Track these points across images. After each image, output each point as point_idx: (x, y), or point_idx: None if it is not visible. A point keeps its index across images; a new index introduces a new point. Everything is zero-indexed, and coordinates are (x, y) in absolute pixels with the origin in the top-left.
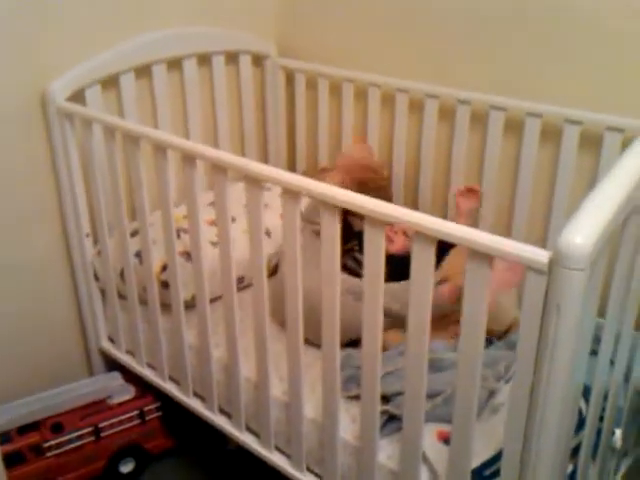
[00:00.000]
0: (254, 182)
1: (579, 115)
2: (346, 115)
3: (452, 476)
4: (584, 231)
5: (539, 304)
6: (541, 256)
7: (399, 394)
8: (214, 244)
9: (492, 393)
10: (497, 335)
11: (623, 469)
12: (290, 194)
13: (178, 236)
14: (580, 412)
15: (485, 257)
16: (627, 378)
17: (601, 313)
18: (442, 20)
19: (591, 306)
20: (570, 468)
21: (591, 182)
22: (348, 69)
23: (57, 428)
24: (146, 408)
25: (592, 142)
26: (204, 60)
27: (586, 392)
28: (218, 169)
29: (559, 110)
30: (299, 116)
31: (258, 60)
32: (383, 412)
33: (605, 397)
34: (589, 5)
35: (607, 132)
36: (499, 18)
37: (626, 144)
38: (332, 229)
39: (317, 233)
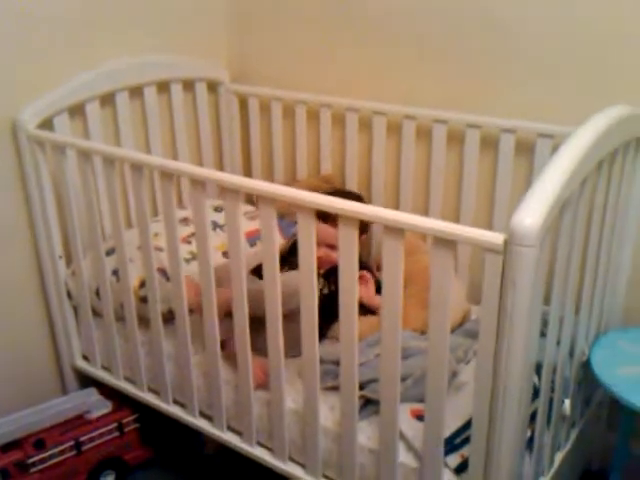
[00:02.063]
0: (232, 193)
1: (513, 124)
2: (299, 136)
3: (427, 447)
4: (532, 213)
5: (497, 282)
6: (496, 238)
7: (372, 381)
8: (187, 260)
9: (454, 374)
10: (453, 327)
11: (572, 438)
12: (265, 201)
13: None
14: (534, 384)
15: (449, 243)
16: (572, 353)
17: (547, 301)
18: (389, 40)
19: (540, 281)
20: (528, 434)
21: (528, 183)
22: (299, 92)
23: (39, 444)
24: (124, 420)
25: (526, 148)
26: (163, 87)
27: (538, 367)
28: (197, 184)
29: (496, 121)
30: (254, 138)
31: (213, 86)
32: (360, 397)
33: (554, 371)
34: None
35: (539, 139)
36: (440, 35)
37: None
38: (308, 231)
39: None
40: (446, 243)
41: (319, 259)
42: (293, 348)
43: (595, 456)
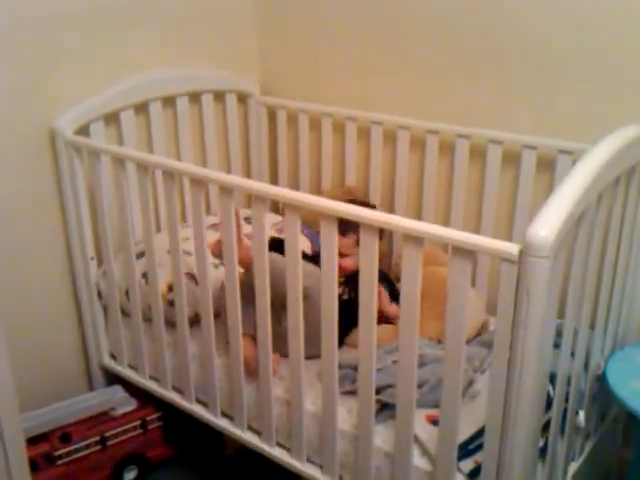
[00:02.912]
0: (259, 200)
1: (534, 141)
2: (325, 147)
3: (441, 451)
4: (547, 225)
5: (512, 291)
6: (512, 248)
7: (389, 386)
8: (216, 266)
9: (470, 383)
10: (469, 337)
11: (586, 450)
12: (289, 208)
13: None
14: (548, 394)
15: (466, 252)
16: (586, 366)
17: (561, 315)
18: (413, 58)
19: (555, 292)
20: (541, 443)
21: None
22: (326, 104)
23: (66, 438)
24: (148, 418)
25: (546, 164)
26: (194, 98)
27: (552, 378)
28: (225, 191)
29: (517, 137)
30: (281, 149)
31: (242, 98)
32: (376, 402)
33: (568, 382)
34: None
35: (560, 155)
36: (470, 54)
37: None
38: (330, 238)
39: None
40: (464, 253)
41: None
42: (308, 348)
43: (612, 471)
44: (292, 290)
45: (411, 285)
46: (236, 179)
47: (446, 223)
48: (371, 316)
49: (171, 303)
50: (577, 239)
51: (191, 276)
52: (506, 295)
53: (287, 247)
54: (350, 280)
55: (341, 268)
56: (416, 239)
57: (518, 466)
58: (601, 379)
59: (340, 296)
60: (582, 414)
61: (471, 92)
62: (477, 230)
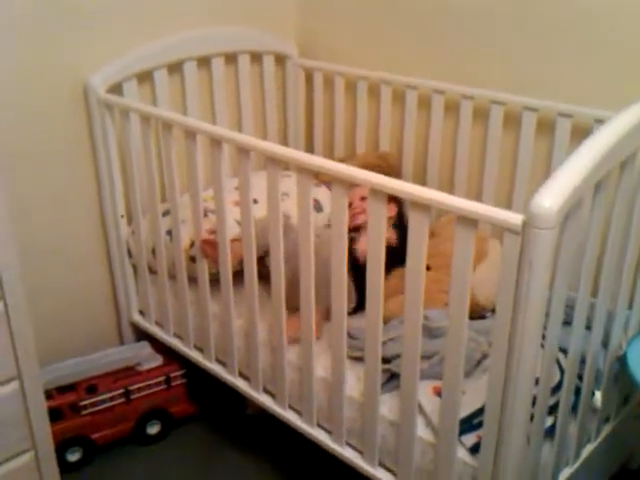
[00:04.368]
0: (274, 161)
1: (535, 103)
2: (360, 111)
3: (444, 424)
4: (552, 195)
5: (514, 262)
6: (516, 219)
7: (398, 356)
8: (240, 223)
9: (484, 356)
10: (490, 309)
11: (604, 432)
12: (305, 173)
13: (205, 215)
14: (561, 370)
15: (471, 221)
16: (605, 345)
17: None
18: (450, 23)
19: (565, 263)
20: (550, 422)
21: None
22: (362, 68)
23: (92, 389)
24: (172, 375)
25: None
26: (231, 59)
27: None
28: (242, 151)
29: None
30: (317, 111)
31: (280, 60)
32: (385, 371)
33: (583, 360)
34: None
35: (559, 118)
36: (507, 20)
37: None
38: (342, 202)
39: None
40: (467, 222)
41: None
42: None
43: (636, 454)
44: (305, 257)
45: (417, 253)
46: (249, 139)
47: (479, 191)
48: (378, 286)
49: (193, 259)
50: (594, 209)
51: (212, 232)
52: (509, 267)
53: (299, 212)
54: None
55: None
56: (421, 206)
57: (516, 445)
58: (622, 360)
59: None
60: (598, 394)
61: (509, 58)
62: (509, 202)
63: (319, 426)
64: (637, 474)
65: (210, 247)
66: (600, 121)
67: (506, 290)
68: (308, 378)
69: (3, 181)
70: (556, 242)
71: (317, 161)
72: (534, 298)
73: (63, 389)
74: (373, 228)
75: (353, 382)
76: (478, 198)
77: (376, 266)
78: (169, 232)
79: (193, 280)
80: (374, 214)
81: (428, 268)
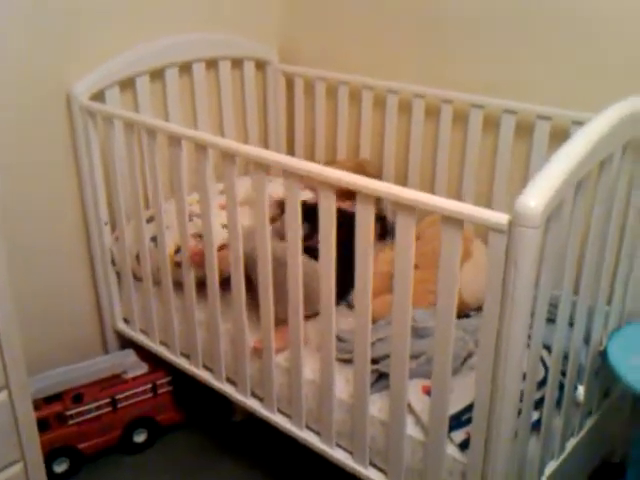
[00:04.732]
0: (259, 166)
1: (514, 106)
2: (341, 115)
3: (433, 421)
4: (537, 195)
5: (501, 261)
6: (502, 218)
7: (387, 357)
8: (225, 226)
9: (470, 355)
10: (474, 308)
11: (587, 426)
12: (291, 177)
13: (190, 219)
14: (546, 367)
15: (457, 222)
16: (587, 341)
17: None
18: (429, 27)
19: (549, 262)
20: (535, 417)
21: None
22: (343, 73)
23: (78, 399)
24: (158, 382)
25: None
26: (212, 65)
27: (551, 351)
28: (227, 156)
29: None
30: (298, 116)
31: (261, 65)
32: (373, 371)
33: (567, 356)
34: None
35: (538, 120)
36: (487, 24)
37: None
38: (329, 206)
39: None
40: (454, 222)
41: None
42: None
43: (617, 448)
44: (292, 255)
45: (404, 254)
46: (235, 145)
47: (458, 193)
48: (366, 285)
49: (179, 264)
50: (575, 208)
51: (198, 236)
52: (495, 266)
53: (287, 212)
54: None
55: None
56: (407, 207)
57: (505, 440)
58: (603, 355)
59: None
60: (581, 389)
61: (486, 61)
62: (489, 202)
63: (308, 428)
64: (618, 467)
65: (200, 258)
66: (578, 123)
67: (493, 288)
68: (297, 381)
69: None
70: (541, 241)
71: (306, 166)
72: (520, 295)
73: (49, 399)
74: (360, 229)
75: (342, 384)
76: (458, 200)
77: (364, 267)
78: (154, 238)
79: (178, 286)
80: (361, 216)
81: (416, 267)
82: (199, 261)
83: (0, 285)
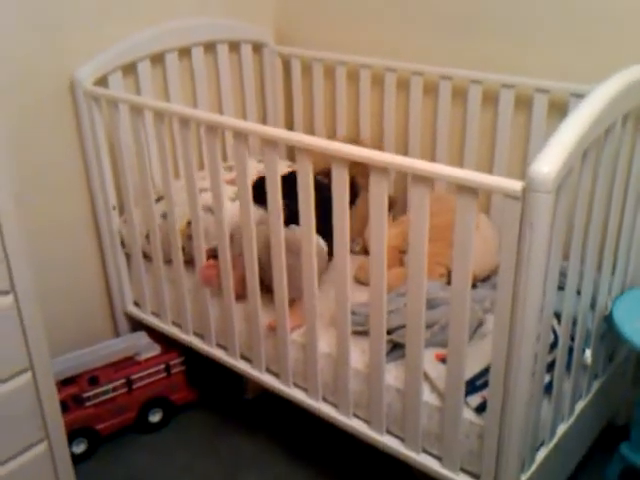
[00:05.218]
0: (270, 143)
1: (513, 80)
2: (339, 95)
3: (450, 387)
4: (549, 162)
5: (516, 226)
6: (516, 185)
7: (400, 327)
8: (232, 199)
9: (480, 323)
10: (481, 279)
11: (594, 389)
12: (303, 152)
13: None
14: (555, 333)
15: (471, 190)
16: (593, 306)
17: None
18: (426, 2)
19: (558, 229)
20: (547, 379)
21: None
22: (340, 53)
23: (93, 381)
24: (171, 363)
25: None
26: (210, 48)
27: (559, 317)
28: (239, 136)
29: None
30: (296, 99)
31: (257, 48)
32: (388, 341)
33: (575, 322)
34: None
35: (536, 93)
36: None
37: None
38: (342, 180)
39: None
40: (468, 191)
41: None
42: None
43: (621, 411)
44: (306, 232)
45: (419, 226)
46: (248, 124)
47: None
48: (381, 258)
49: (190, 237)
50: (582, 176)
51: (208, 209)
52: (510, 232)
53: (300, 190)
54: None
55: None
56: (422, 178)
57: (521, 402)
58: (608, 319)
59: None
60: (589, 352)
61: (483, 38)
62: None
63: (324, 400)
64: (623, 430)
65: (213, 270)
66: (576, 95)
67: (508, 254)
68: (312, 355)
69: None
70: (553, 206)
71: (320, 142)
72: (536, 259)
73: (65, 382)
74: (374, 203)
75: (357, 355)
76: None
77: (378, 241)
78: (164, 215)
79: (189, 263)
80: (374, 190)
81: None
82: (213, 277)
83: (21, 268)
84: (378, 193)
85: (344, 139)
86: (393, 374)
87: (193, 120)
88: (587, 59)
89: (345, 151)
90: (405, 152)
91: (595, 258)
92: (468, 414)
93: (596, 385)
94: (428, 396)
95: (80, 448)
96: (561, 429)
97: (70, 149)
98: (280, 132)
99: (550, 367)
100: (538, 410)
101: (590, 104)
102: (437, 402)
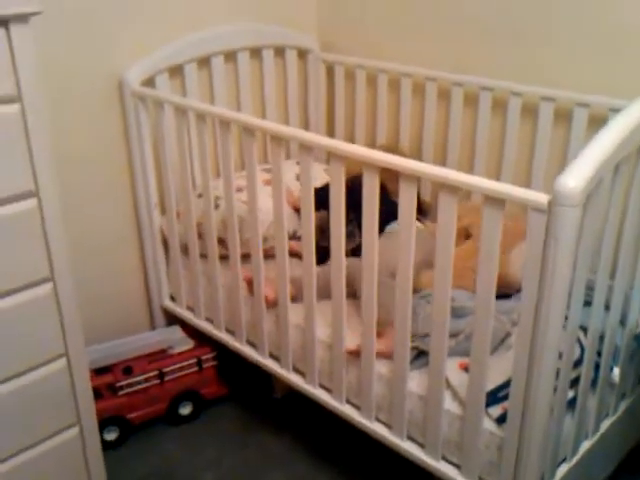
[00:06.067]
0: (305, 149)
1: (554, 93)
2: (380, 103)
3: (471, 396)
4: (576, 176)
5: (541, 239)
6: (542, 198)
7: (426, 335)
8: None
9: (507, 335)
10: (513, 291)
11: (622, 408)
12: (335, 158)
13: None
14: (582, 347)
15: (498, 202)
16: (623, 323)
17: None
18: (467, 14)
19: (586, 243)
20: (571, 394)
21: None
22: (383, 61)
23: (128, 371)
24: (203, 357)
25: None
26: (255, 53)
27: (587, 333)
28: (275, 140)
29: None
30: (338, 104)
31: (302, 54)
32: (413, 348)
33: (602, 338)
34: None
35: (576, 107)
36: (525, 13)
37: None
38: (373, 185)
39: None
40: (495, 202)
41: None
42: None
43: None
44: (335, 235)
45: (446, 234)
46: (283, 128)
47: (498, 177)
48: (409, 264)
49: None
50: (613, 190)
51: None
52: (535, 245)
53: (332, 194)
54: None
55: None
56: (450, 187)
57: (541, 416)
58: (639, 338)
59: None
60: (617, 370)
61: (526, 49)
62: (528, 184)
63: (348, 402)
64: None
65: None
66: (615, 110)
67: (532, 267)
68: (338, 356)
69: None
70: (579, 221)
71: (358, 150)
72: (559, 274)
73: (100, 371)
74: (404, 209)
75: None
76: None
77: (407, 246)
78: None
79: (224, 259)
80: (404, 196)
81: (468, 236)
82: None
83: (60, 256)
84: (407, 199)
85: (381, 147)
86: (416, 381)
87: (233, 122)
88: (628, 75)
89: (375, 157)
90: (443, 161)
91: (627, 274)
92: (489, 424)
93: (624, 405)
94: (450, 404)
95: (111, 436)
96: (584, 446)
97: (116, 147)
98: (313, 137)
99: (575, 382)
100: (560, 425)
101: (623, 119)
102: (458, 410)
